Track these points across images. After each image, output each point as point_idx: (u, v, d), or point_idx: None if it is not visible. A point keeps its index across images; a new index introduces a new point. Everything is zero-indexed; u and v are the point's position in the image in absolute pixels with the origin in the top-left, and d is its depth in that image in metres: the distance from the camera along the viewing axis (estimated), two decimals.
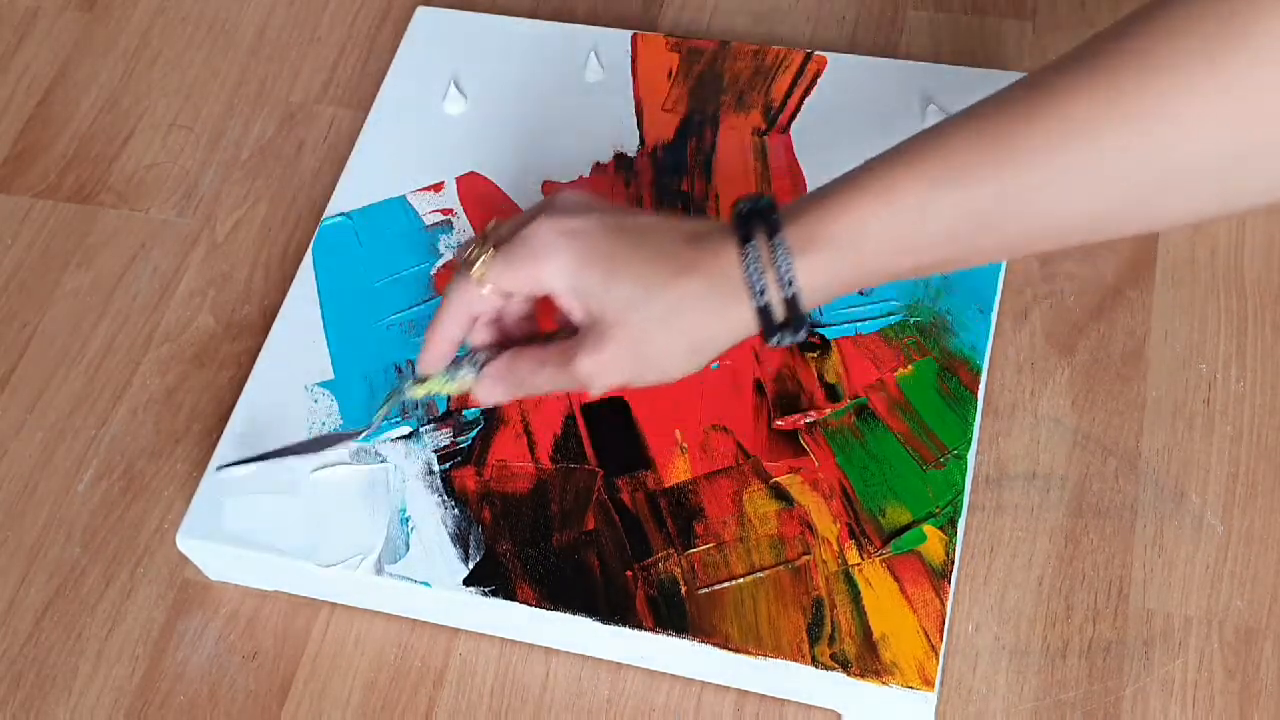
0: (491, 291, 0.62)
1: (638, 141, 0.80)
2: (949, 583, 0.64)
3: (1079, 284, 0.77)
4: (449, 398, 0.71)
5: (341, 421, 0.71)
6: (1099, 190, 0.52)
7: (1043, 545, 0.69)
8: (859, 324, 0.72)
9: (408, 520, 0.68)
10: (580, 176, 0.79)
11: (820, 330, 0.72)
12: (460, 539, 0.67)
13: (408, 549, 0.67)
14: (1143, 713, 0.64)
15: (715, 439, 0.69)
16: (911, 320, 0.72)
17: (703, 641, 0.64)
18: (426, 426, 0.71)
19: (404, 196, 0.80)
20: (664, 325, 0.59)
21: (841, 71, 0.82)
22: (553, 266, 0.59)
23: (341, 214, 0.79)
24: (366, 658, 0.69)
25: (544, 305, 0.64)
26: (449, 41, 0.86)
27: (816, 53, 0.83)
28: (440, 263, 0.77)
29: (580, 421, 0.70)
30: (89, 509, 0.74)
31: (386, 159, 0.81)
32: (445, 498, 0.69)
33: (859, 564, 0.65)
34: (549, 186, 0.79)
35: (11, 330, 0.81)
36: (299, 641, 0.69)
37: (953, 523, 0.66)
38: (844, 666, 0.63)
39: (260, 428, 0.71)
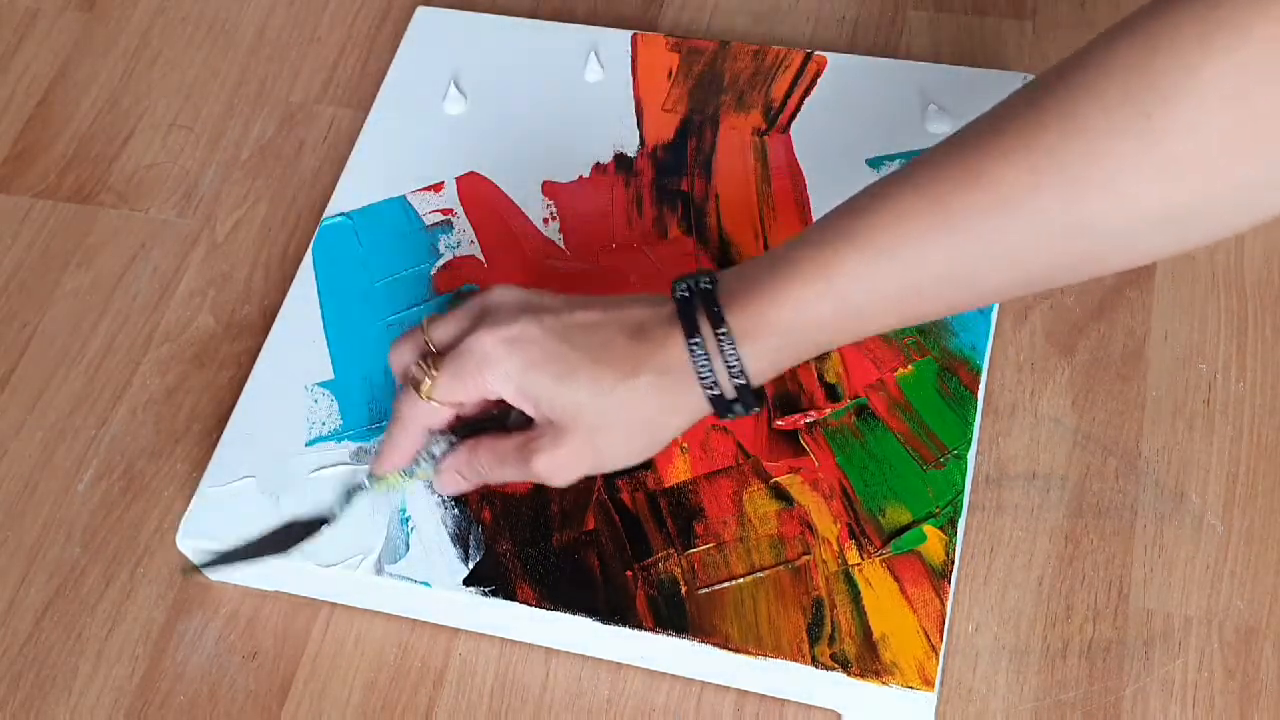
0: (440, 405, 0.62)
1: (638, 141, 0.80)
2: (949, 583, 0.64)
3: (1079, 284, 0.76)
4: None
5: (341, 422, 0.71)
6: (1038, 253, 0.52)
7: (1043, 545, 0.69)
8: None
9: (408, 520, 0.68)
10: (580, 177, 0.79)
11: None
12: (460, 539, 0.67)
13: (408, 549, 0.67)
14: (1143, 713, 0.64)
15: (715, 439, 0.69)
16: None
17: (703, 641, 0.64)
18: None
19: (404, 196, 0.80)
20: (618, 422, 0.59)
21: (841, 71, 0.82)
22: (499, 376, 0.60)
23: (341, 214, 0.79)
24: (366, 658, 0.69)
25: None
26: (449, 41, 0.86)
27: (816, 53, 0.83)
28: (440, 262, 0.77)
29: None
30: (89, 509, 0.74)
31: (386, 159, 0.81)
32: (445, 498, 0.69)
33: (859, 564, 0.65)
34: (549, 187, 0.79)
35: (11, 330, 0.81)
36: (299, 641, 0.69)
37: (953, 523, 0.66)
38: (844, 666, 0.62)
39: (260, 428, 0.71)
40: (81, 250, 0.84)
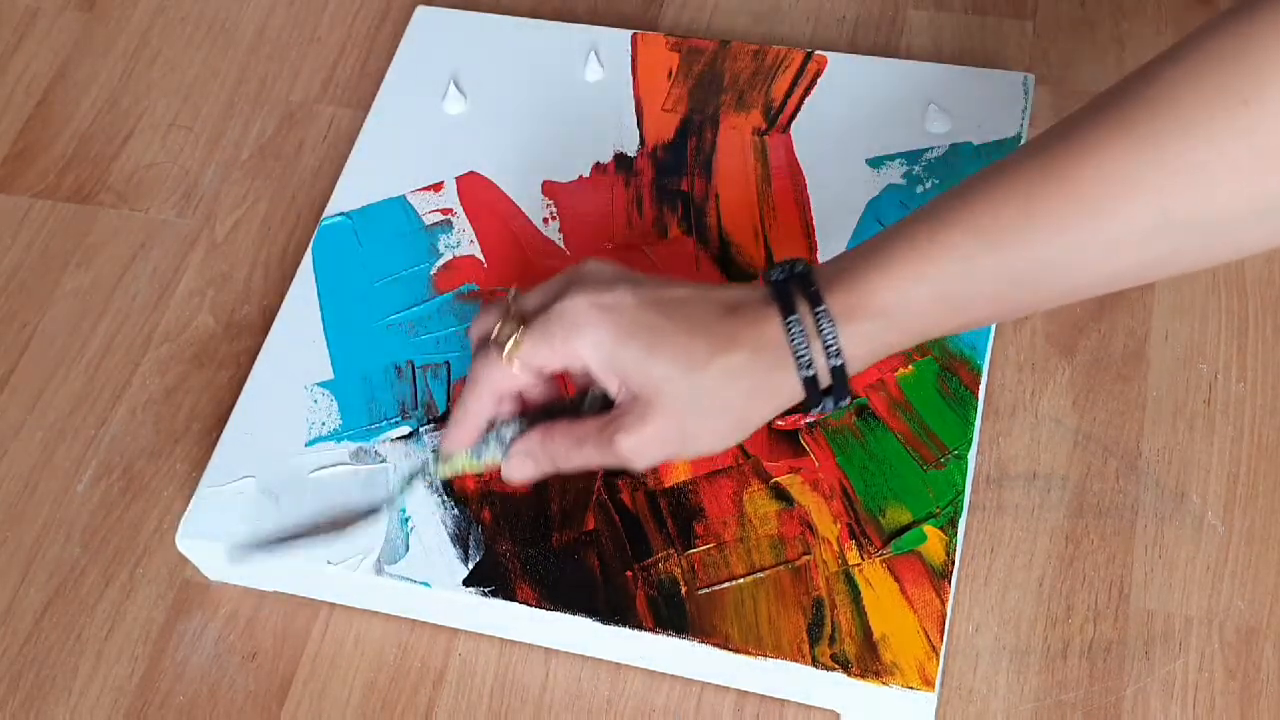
0: (522, 369, 0.59)
1: (638, 141, 0.80)
2: (949, 583, 0.64)
3: None
4: (449, 396, 0.71)
5: (341, 422, 0.71)
6: (1135, 246, 0.52)
7: (1043, 545, 0.69)
8: None
9: (407, 520, 0.68)
10: (580, 177, 0.79)
11: None
12: (460, 539, 0.67)
13: (407, 549, 0.67)
14: (1143, 713, 0.64)
15: None
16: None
17: (703, 641, 0.64)
18: (426, 426, 0.71)
19: (403, 196, 0.80)
20: (708, 399, 0.57)
21: (841, 71, 0.82)
22: (589, 343, 0.57)
23: (341, 214, 0.79)
24: (366, 658, 0.69)
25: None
26: (449, 41, 0.86)
27: (816, 53, 0.83)
28: (440, 262, 0.77)
29: None
30: (89, 509, 0.74)
31: (386, 159, 0.81)
32: (445, 498, 0.69)
33: (859, 564, 0.65)
34: (549, 187, 0.79)
35: (11, 330, 0.81)
36: (299, 641, 0.69)
37: (953, 523, 0.66)
38: (844, 667, 0.62)
39: (260, 428, 0.71)
40: (81, 250, 0.84)
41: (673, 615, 0.64)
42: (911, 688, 0.62)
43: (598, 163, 0.80)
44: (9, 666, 0.69)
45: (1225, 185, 0.50)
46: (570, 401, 0.62)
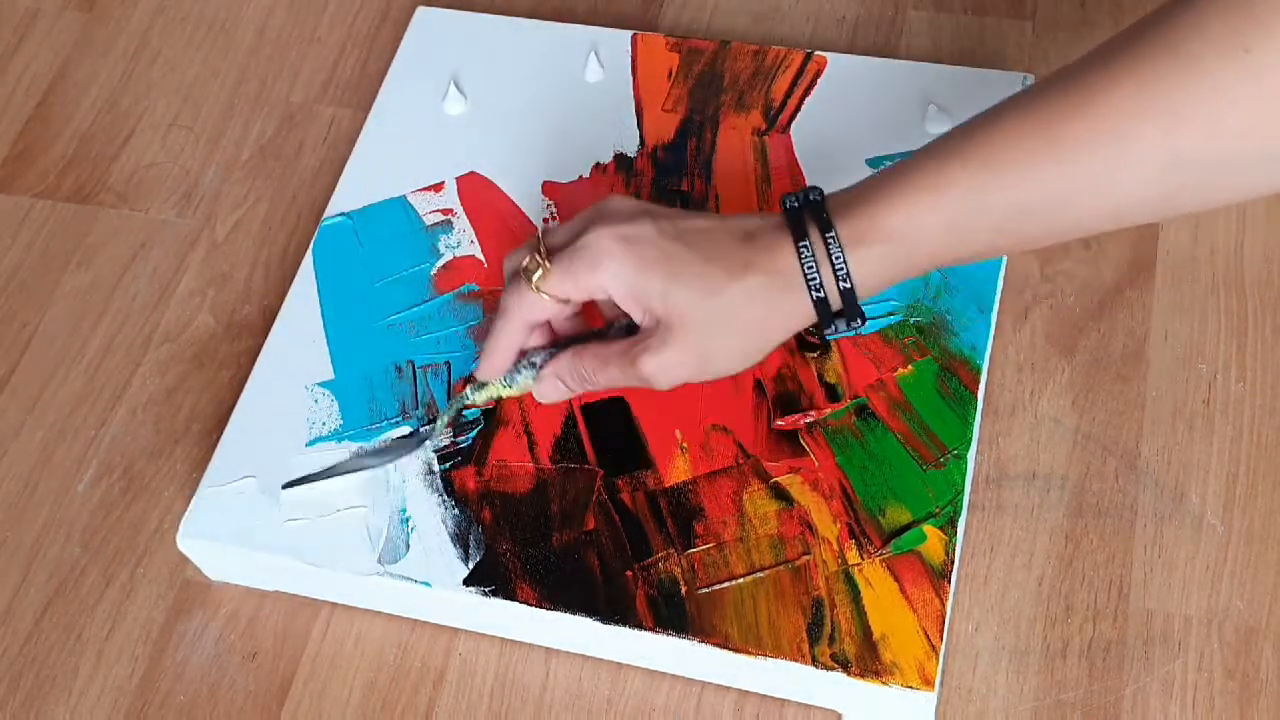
0: (550, 300, 0.63)
1: (638, 141, 0.80)
2: (949, 583, 0.64)
3: (1079, 284, 0.77)
4: (450, 396, 0.71)
5: (342, 422, 0.71)
6: (1139, 182, 0.54)
7: (1043, 545, 0.69)
8: None
9: (408, 520, 0.68)
10: (580, 177, 0.79)
11: None
12: (460, 539, 0.67)
13: (408, 549, 0.67)
14: (1143, 713, 0.64)
15: (715, 439, 0.69)
16: (911, 320, 0.72)
17: (703, 641, 0.64)
18: (426, 427, 0.71)
19: (404, 196, 0.80)
20: (725, 323, 0.60)
21: (841, 71, 0.82)
22: (613, 272, 0.60)
23: (341, 214, 0.79)
24: (366, 658, 0.69)
25: (590, 304, 0.65)
26: (449, 41, 0.86)
27: (816, 53, 0.83)
28: (440, 263, 0.77)
29: (580, 421, 0.70)
30: (89, 509, 0.74)
31: (386, 159, 0.81)
32: (445, 498, 0.69)
33: (859, 564, 0.65)
34: (549, 187, 0.79)
35: (11, 330, 0.81)
36: (299, 641, 0.69)
37: (953, 523, 0.66)
38: (844, 666, 0.63)
39: (260, 428, 0.72)
40: (81, 250, 0.84)
41: (673, 615, 0.65)
42: (911, 687, 0.62)
43: (598, 163, 0.80)
44: (9, 666, 0.69)
45: (1230, 128, 0.51)
46: (597, 332, 0.65)
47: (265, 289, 0.81)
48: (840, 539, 0.66)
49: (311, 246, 0.78)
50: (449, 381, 0.72)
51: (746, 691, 0.66)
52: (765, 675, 0.64)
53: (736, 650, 0.63)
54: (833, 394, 0.70)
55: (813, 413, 0.70)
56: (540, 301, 0.63)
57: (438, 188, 0.80)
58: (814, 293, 0.59)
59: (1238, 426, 0.72)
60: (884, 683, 0.62)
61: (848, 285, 0.59)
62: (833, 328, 0.60)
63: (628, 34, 0.85)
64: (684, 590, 0.65)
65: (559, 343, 0.65)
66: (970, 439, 0.68)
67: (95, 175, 0.87)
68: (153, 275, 0.82)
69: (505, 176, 0.80)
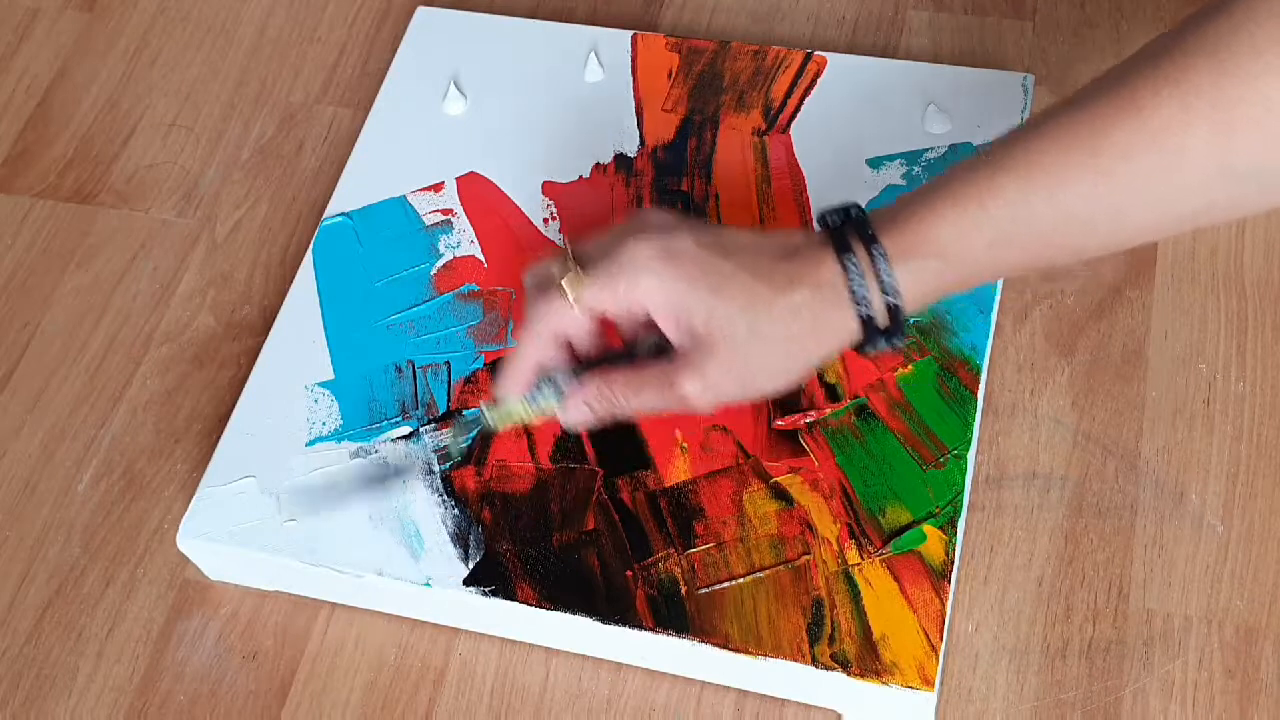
0: (583, 312, 0.61)
1: (638, 141, 0.80)
2: (949, 582, 0.64)
3: (1079, 284, 0.77)
4: (450, 397, 0.71)
5: (342, 422, 0.71)
6: (1189, 191, 0.53)
7: (1043, 545, 0.69)
8: None
9: (410, 522, 0.68)
10: (580, 177, 0.79)
11: None
12: (460, 539, 0.67)
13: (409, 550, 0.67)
14: (1143, 713, 0.64)
15: (715, 439, 0.69)
16: (911, 320, 0.72)
17: (703, 641, 0.64)
18: (426, 427, 0.71)
19: (404, 196, 0.80)
20: (769, 340, 0.59)
21: (841, 71, 0.82)
22: (654, 286, 0.59)
23: (341, 214, 0.79)
24: (366, 658, 0.69)
25: (607, 322, 0.63)
26: (449, 41, 0.86)
27: (816, 53, 0.83)
28: (440, 263, 0.77)
29: None
30: (89, 509, 0.74)
31: (386, 159, 0.81)
32: (445, 498, 0.69)
33: (859, 564, 0.65)
34: (549, 187, 0.79)
35: (11, 330, 0.81)
36: (299, 641, 0.69)
37: (953, 523, 0.66)
38: (844, 666, 0.63)
39: (260, 428, 0.72)
40: (81, 250, 0.84)
41: (673, 615, 0.64)
42: (911, 687, 0.62)
43: (598, 163, 0.80)
44: (9, 666, 0.69)
45: (1276, 138, 0.50)
46: (621, 354, 0.63)
47: (265, 289, 0.81)
48: (840, 539, 0.66)
49: (311, 246, 0.78)
50: (449, 381, 0.72)
51: (746, 691, 0.66)
52: (765, 675, 0.64)
53: (736, 650, 0.63)
54: (833, 394, 0.70)
55: (813, 413, 0.70)
56: (572, 314, 0.60)
57: (438, 188, 0.80)
58: (861, 308, 0.57)
59: (1238, 426, 0.72)
60: (884, 683, 0.62)
61: (896, 302, 0.57)
62: (877, 345, 0.59)
63: (628, 34, 0.85)
64: (684, 590, 0.65)
65: (580, 363, 0.63)
66: (970, 439, 0.68)
67: (95, 175, 0.87)
68: (153, 275, 0.82)
69: (505, 176, 0.80)
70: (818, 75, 0.82)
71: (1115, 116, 0.53)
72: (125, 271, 0.83)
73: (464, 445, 0.69)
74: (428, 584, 0.66)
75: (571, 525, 0.67)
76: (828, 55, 0.83)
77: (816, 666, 0.63)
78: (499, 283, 0.76)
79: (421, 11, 0.88)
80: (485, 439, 0.70)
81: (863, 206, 0.59)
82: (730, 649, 0.63)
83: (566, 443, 0.70)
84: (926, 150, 0.78)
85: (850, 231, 0.58)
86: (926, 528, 0.66)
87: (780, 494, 0.68)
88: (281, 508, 0.69)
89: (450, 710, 0.67)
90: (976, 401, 0.70)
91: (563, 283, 0.60)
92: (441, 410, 0.71)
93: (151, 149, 0.88)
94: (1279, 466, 0.70)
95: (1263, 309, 0.75)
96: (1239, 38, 0.50)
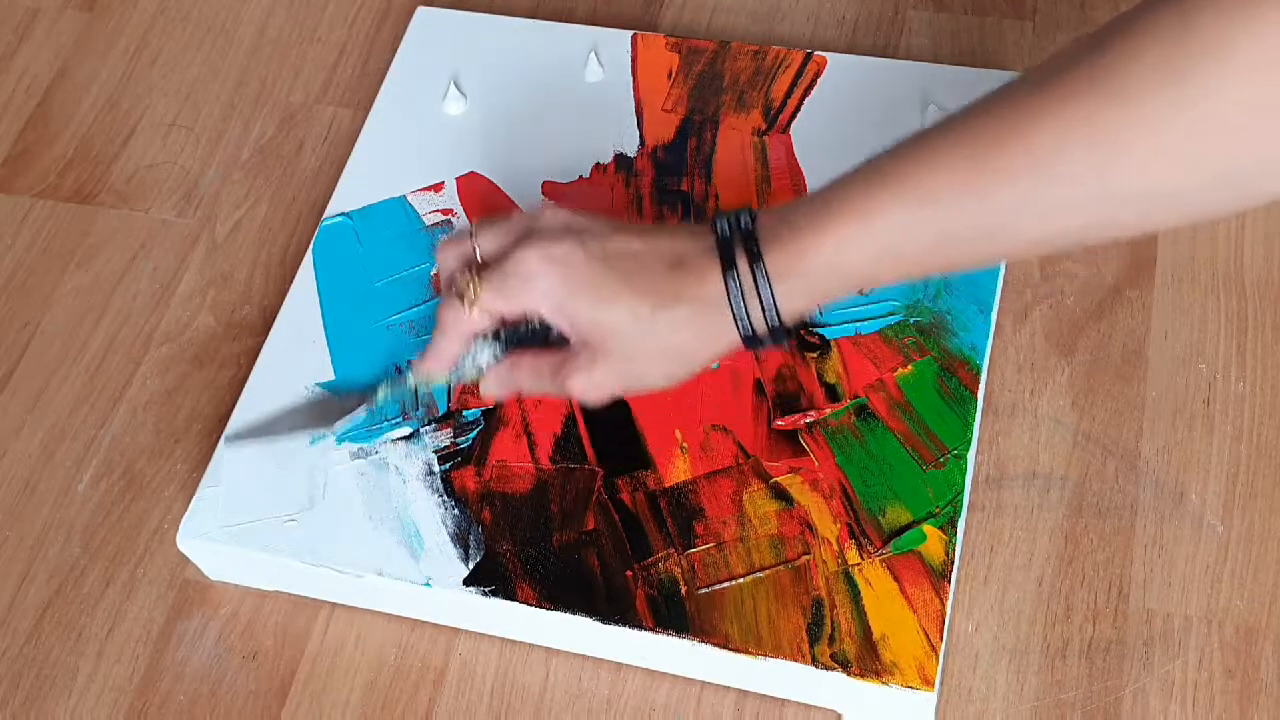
0: (481, 316, 0.64)
1: (638, 141, 0.80)
2: (949, 583, 0.64)
3: (1079, 284, 0.77)
4: (450, 398, 0.71)
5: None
6: (1068, 213, 0.53)
7: (1043, 545, 0.69)
8: (859, 324, 0.72)
9: (412, 522, 0.68)
10: (580, 177, 0.79)
11: (820, 330, 0.72)
12: (460, 539, 0.67)
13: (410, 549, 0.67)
14: (1142, 713, 0.64)
15: (715, 439, 0.69)
16: (911, 320, 0.72)
17: (703, 641, 0.64)
18: (426, 427, 0.71)
19: (404, 196, 0.80)
20: (652, 349, 0.61)
21: (841, 71, 0.82)
22: (540, 293, 0.61)
23: (341, 214, 0.79)
24: (366, 658, 0.69)
25: None
26: (449, 41, 0.86)
27: (816, 53, 0.83)
28: None
29: (580, 421, 0.70)
30: (89, 509, 0.74)
31: (386, 159, 0.81)
32: (445, 498, 0.69)
33: (859, 564, 0.65)
34: (549, 187, 0.79)
35: (11, 330, 0.81)
36: (299, 641, 0.69)
37: (953, 523, 0.66)
38: (844, 666, 0.63)
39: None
40: (81, 250, 0.84)
41: (673, 615, 0.65)
42: (911, 687, 0.62)
43: (598, 163, 0.80)
44: (9, 666, 0.69)
45: (1162, 159, 0.51)
46: (537, 327, 0.65)
47: (265, 289, 0.81)
48: (840, 539, 0.66)
49: (311, 246, 0.78)
50: (449, 382, 0.72)
51: (746, 691, 0.66)
52: (765, 675, 0.64)
53: (736, 650, 0.63)
54: (833, 394, 0.70)
55: (813, 413, 0.70)
56: (474, 317, 0.64)
57: (438, 188, 0.80)
58: (740, 325, 0.59)
59: (1238, 426, 0.72)
60: (884, 683, 0.62)
61: (775, 320, 0.59)
62: (759, 348, 0.61)
63: (628, 34, 0.85)
64: (684, 590, 0.65)
65: (501, 332, 0.66)
66: (970, 439, 0.68)
67: (95, 175, 0.87)
68: (153, 275, 0.82)
69: (505, 176, 0.80)
70: (818, 75, 0.82)
71: (996, 139, 0.53)
72: (125, 271, 0.83)
73: (391, 422, 0.70)
74: (428, 584, 0.66)
75: (571, 525, 0.67)
76: (828, 55, 0.83)
77: (816, 666, 0.63)
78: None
79: (421, 11, 0.88)
80: (485, 441, 0.70)
81: (754, 215, 0.60)
82: (730, 649, 0.63)
83: (567, 443, 0.70)
84: None
85: (738, 244, 0.59)
86: (926, 528, 0.66)
87: (780, 494, 0.68)
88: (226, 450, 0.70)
89: (450, 710, 0.67)
90: (976, 401, 0.70)
91: (463, 290, 0.63)
92: (441, 410, 0.71)
93: (151, 149, 0.88)
94: (1279, 466, 0.70)
95: (1263, 309, 0.75)
96: (1120, 64, 0.50)
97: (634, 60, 0.84)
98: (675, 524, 0.67)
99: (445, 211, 0.79)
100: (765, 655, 0.63)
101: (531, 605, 0.65)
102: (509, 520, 0.68)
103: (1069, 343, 0.75)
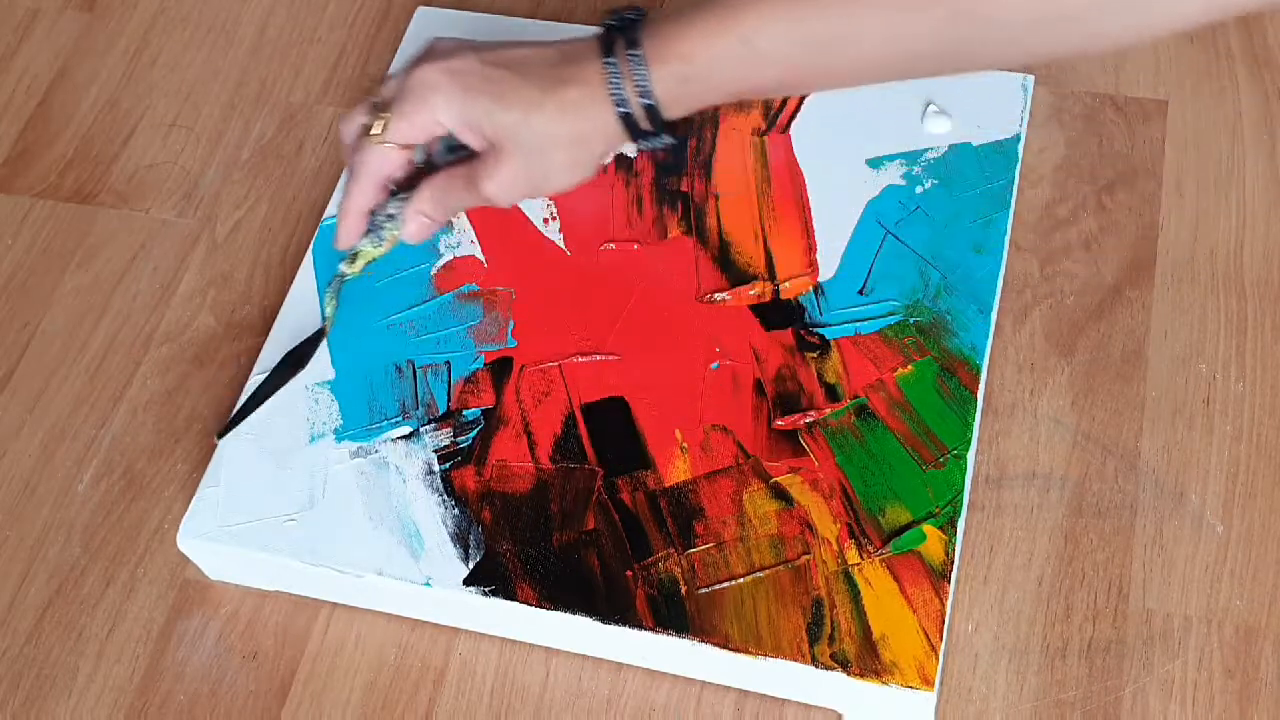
0: (396, 149, 0.65)
1: None
2: (949, 582, 0.64)
3: (1079, 284, 0.77)
4: (450, 396, 0.71)
5: (342, 421, 0.71)
6: (927, 29, 0.57)
7: (1042, 545, 0.69)
8: (859, 324, 0.72)
9: (413, 522, 0.68)
10: None
11: (820, 330, 0.72)
12: (460, 539, 0.67)
13: (411, 550, 0.67)
14: (1142, 712, 0.64)
15: (715, 439, 0.69)
16: (911, 320, 0.72)
17: (703, 641, 0.64)
18: (426, 426, 0.71)
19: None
20: (549, 137, 0.64)
21: None
22: (442, 103, 0.64)
23: None
24: (366, 658, 0.69)
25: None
26: None
27: None
28: (440, 263, 0.77)
29: (580, 421, 0.70)
30: (89, 509, 0.74)
31: None
32: (445, 498, 0.69)
33: (859, 564, 0.65)
34: None
35: (11, 330, 0.81)
36: (299, 641, 0.69)
37: (952, 523, 0.66)
38: (844, 666, 0.63)
39: (260, 428, 0.72)
40: (82, 250, 0.84)
41: (673, 615, 0.65)
42: (911, 687, 0.62)
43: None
44: (9, 666, 0.69)
45: None
46: (426, 165, 0.67)
47: (265, 289, 0.81)
48: (840, 539, 0.66)
49: (311, 246, 0.78)
50: (449, 381, 0.72)
51: (746, 691, 0.66)
52: (765, 675, 0.64)
53: (736, 650, 0.63)
54: (833, 394, 0.70)
55: (813, 413, 0.70)
56: (387, 153, 0.65)
57: None
58: (618, 107, 0.62)
59: (1238, 426, 0.72)
60: (884, 682, 0.62)
61: (649, 101, 0.62)
62: (645, 143, 0.64)
63: None
64: (684, 590, 0.65)
65: (399, 192, 0.68)
66: (970, 439, 0.68)
67: (95, 175, 0.87)
68: (153, 275, 0.82)
69: None
70: None
71: None
72: (125, 271, 0.83)
73: (330, 298, 0.72)
74: (428, 584, 0.66)
75: (571, 525, 0.67)
76: None
77: (816, 666, 0.63)
78: (499, 283, 0.76)
79: (421, 11, 0.88)
80: (485, 441, 0.70)
81: (640, 12, 0.63)
82: (730, 649, 0.63)
83: (567, 443, 0.70)
84: (926, 150, 0.78)
85: (618, 36, 0.62)
86: (926, 528, 0.66)
87: (780, 494, 0.68)
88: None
89: (450, 710, 0.67)
90: (976, 401, 0.70)
91: (370, 125, 0.65)
92: (441, 410, 0.71)
93: (151, 149, 0.88)
94: (1279, 466, 0.70)
95: (1263, 309, 0.75)
96: None
97: None
98: (675, 524, 0.67)
99: None
100: (765, 655, 0.63)
101: (531, 605, 0.65)
102: (509, 520, 0.68)
103: (1069, 343, 0.75)
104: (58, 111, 0.90)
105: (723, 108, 0.81)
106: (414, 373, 0.73)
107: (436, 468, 0.70)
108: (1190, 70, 0.84)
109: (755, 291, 0.74)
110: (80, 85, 0.91)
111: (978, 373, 0.70)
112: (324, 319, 0.72)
